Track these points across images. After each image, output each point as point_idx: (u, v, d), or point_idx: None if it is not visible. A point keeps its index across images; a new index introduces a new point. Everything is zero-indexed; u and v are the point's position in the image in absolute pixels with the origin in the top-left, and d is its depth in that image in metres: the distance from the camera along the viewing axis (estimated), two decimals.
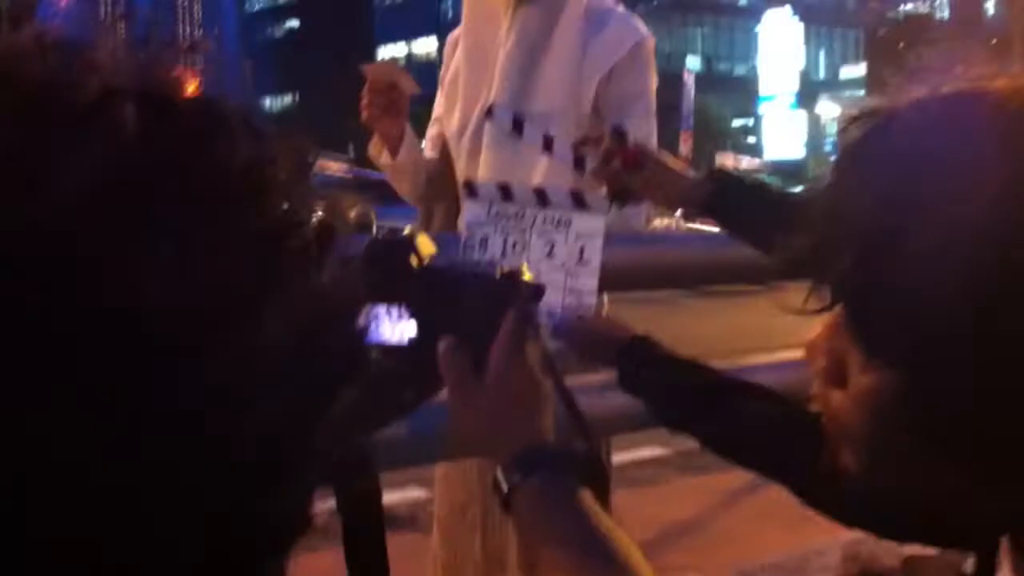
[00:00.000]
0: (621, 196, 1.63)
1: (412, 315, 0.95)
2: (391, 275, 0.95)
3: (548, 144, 1.86)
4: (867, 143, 0.77)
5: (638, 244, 2.54)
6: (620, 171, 1.61)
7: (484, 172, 2.05)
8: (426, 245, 0.97)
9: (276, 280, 0.43)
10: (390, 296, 0.95)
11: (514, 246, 1.67)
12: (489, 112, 1.78)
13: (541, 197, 1.67)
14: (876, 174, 0.74)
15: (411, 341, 0.95)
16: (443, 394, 0.96)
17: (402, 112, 2.21)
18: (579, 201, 1.66)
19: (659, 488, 5.00)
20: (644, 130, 2.00)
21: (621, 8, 2.30)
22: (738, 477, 3.98)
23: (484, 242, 1.68)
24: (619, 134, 1.62)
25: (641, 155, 1.63)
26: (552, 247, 1.65)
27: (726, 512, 4.58)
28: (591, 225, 1.66)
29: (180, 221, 0.40)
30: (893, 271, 0.70)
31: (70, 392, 0.38)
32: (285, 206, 0.45)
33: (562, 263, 1.65)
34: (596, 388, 2.10)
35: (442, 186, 2.29)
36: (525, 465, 0.89)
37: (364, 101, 2.16)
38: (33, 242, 0.38)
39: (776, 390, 1.39)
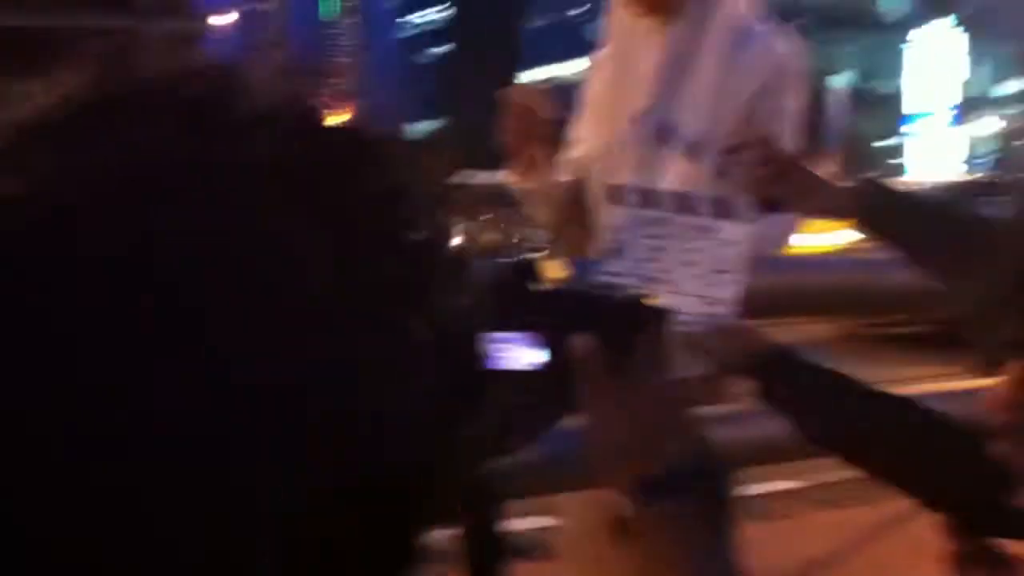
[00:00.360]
0: (767, 205, 1.63)
1: (538, 341, 0.95)
2: (516, 300, 0.96)
3: (694, 153, 1.85)
4: None
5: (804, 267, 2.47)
6: (766, 179, 1.60)
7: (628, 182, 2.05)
8: (552, 269, 0.97)
9: (397, 307, 0.43)
10: (515, 322, 0.95)
11: (654, 252, 1.66)
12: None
13: (684, 203, 1.66)
14: None
15: (536, 367, 0.95)
16: (567, 422, 0.98)
17: (541, 138, 2.23)
18: (723, 209, 1.64)
19: (794, 522, 4.88)
20: (791, 147, 1.98)
21: (769, 24, 2.28)
22: (877, 511, 3.88)
23: (623, 247, 1.68)
24: (765, 143, 1.60)
25: (788, 164, 1.61)
26: (693, 255, 1.63)
27: (867, 547, 4.45)
28: (735, 234, 1.63)
29: (314, 248, 0.41)
30: None
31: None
32: (423, 235, 0.45)
33: (702, 272, 1.63)
34: (730, 417, 2.09)
35: (577, 210, 2.30)
36: (651, 489, 0.90)
37: (503, 127, 2.20)
38: (170, 261, 0.39)
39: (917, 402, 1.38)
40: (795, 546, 4.35)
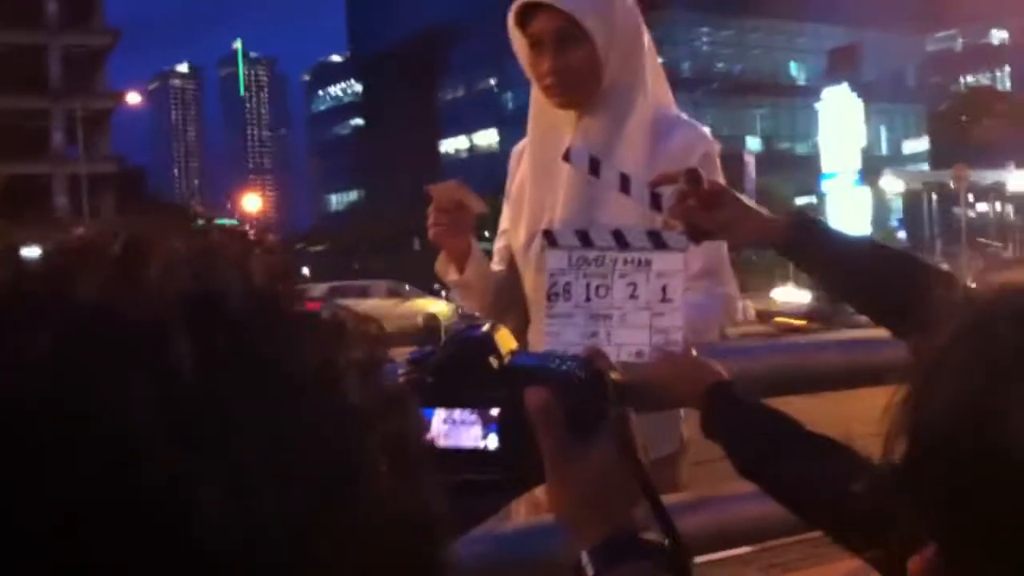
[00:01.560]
0: (699, 234, 1.66)
1: (495, 417, 0.93)
2: (471, 375, 0.93)
3: (625, 187, 1.88)
4: (954, 351, 0.71)
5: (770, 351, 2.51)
6: (696, 209, 1.64)
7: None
8: (506, 340, 0.96)
9: (345, 506, 0.42)
10: (471, 399, 0.93)
11: (597, 290, 1.70)
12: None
13: (620, 240, 1.70)
14: (964, 391, 0.68)
15: (496, 443, 0.93)
16: (515, 525, 0.99)
17: (468, 230, 2.24)
18: (658, 241, 1.69)
19: None
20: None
21: (685, 115, 2.33)
22: (828, 571, 3.95)
23: (568, 288, 1.72)
24: (694, 177, 1.65)
25: (716, 194, 1.65)
26: (635, 288, 1.68)
27: None
28: (671, 263, 1.68)
29: (244, 451, 0.40)
30: (996, 504, 0.64)
31: None
32: (358, 414, 0.44)
33: (646, 303, 1.67)
34: (686, 504, 2.13)
35: (510, 298, 2.32)
36: (612, 552, 0.90)
37: (430, 220, 2.20)
38: (93, 482, 0.38)
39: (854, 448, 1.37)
40: None
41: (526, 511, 2.26)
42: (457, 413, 0.93)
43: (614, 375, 0.96)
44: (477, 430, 0.93)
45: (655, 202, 1.75)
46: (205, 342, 0.41)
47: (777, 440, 1.43)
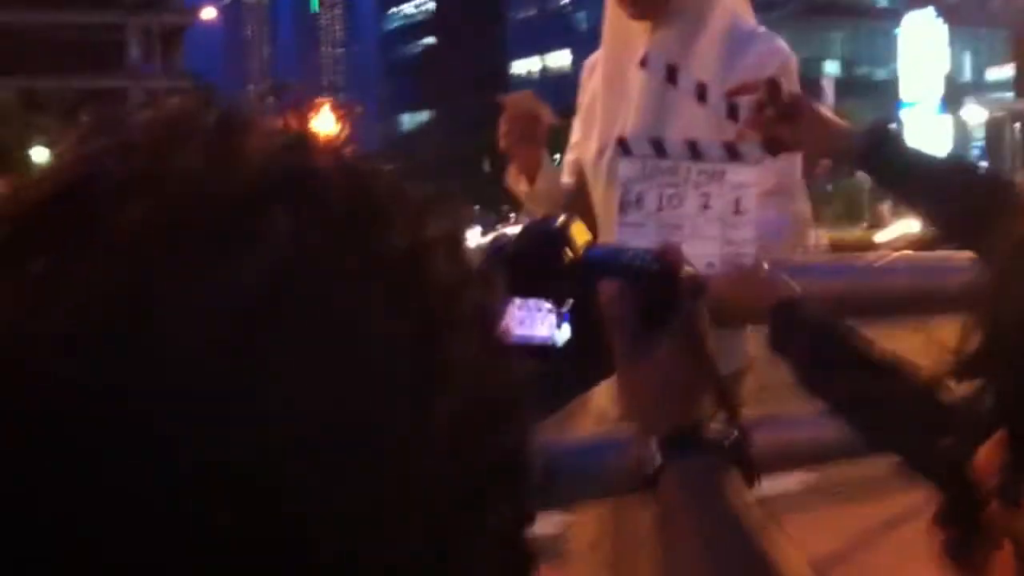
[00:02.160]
0: (775, 146, 1.65)
1: (568, 308, 0.94)
2: (545, 268, 0.94)
3: (702, 95, 1.85)
4: None
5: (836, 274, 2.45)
6: (774, 120, 1.62)
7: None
8: (580, 233, 0.96)
9: (434, 375, 0.42)
10: (544, 290, 0.94)
11: (670, 200, 1.70)
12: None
13: (694, 150, 1.70)
14: None
15: (568, 335, 0.94)
16: (574, 440, 1.00)
17: (539, 141, 2.25)
18: (732, 152, 1.68)
19: (806, 517, 4.85)
20: (795, 154, 1.94)
21: (763, 28, 2.29)
22: (888, 507, 3.92)
23: (640, 198, 1.71)
24: (773, 87, 1.63)
25: (796, 104, 1.63)
26: (708, 199, 1.67)
27: (879, 542, 4.43)
28: (746, 176, 1.67)
29: (333, 322, 0.40)
30: None
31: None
32: (444, 294, 0.44)
33: (719, 214, 1.67)
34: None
35: (579, 211, 2.34)
36: (680, 443, 0.92)
37: (501, 131, 2.21)
38: (186, 359, 0.38)
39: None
40: (807, 543, 4.32)
41: (593, 423, 2.29)
42: (531, 303, 0.94)
43: (688, 269, 0.96)
44: (550, 320, 0.94)
45: (732, 112, 1.74)
46: (301, 220, 0.41)
47: (846, 358, 1.42)
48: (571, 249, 0.94)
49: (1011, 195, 1.45)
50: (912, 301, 2.54)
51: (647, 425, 0.94)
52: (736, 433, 0.94)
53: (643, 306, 0.92)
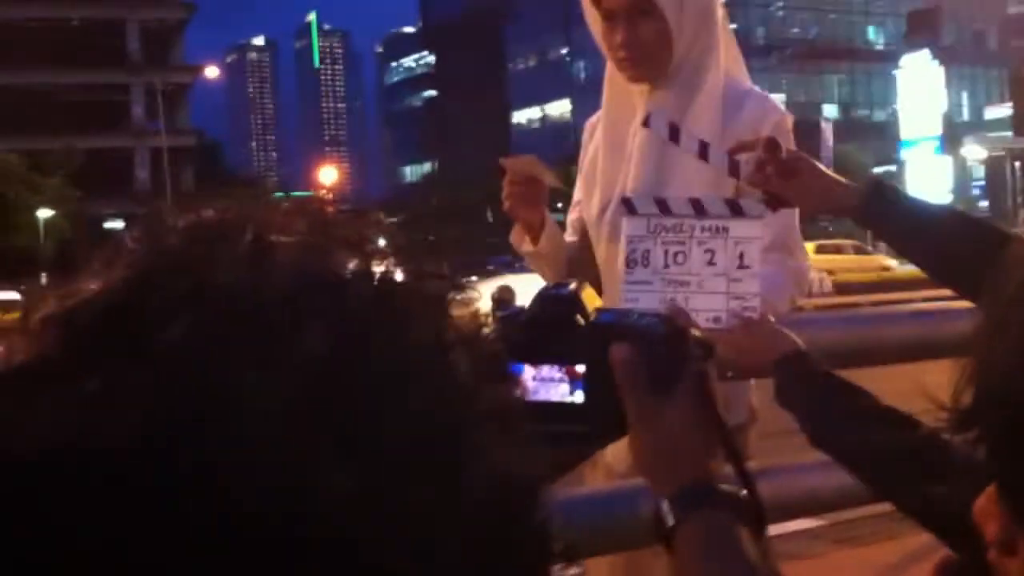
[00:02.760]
0: (775, 202, 1.68)
1: (582, 372, 0.97)
2: (558, 332, 0.98)
3: (704, 152, 1.89)
4: (1019, 304, 0.75)
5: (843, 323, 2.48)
6: (773, 177, 1.65)
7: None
8: (592, 298, 1.00)
9: (459, 465, 0.44)
10: (558, 354, 0.97)
11: (675, 257, 1.73)
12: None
13: (698, 207, 1.73)
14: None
15: (581, 398, 0.97)
16: (584, 493, 1.03)
17: (541, 202, 2.27)
18: (735, 208, 1.71)
19: (818, 561, 4.85)
20: (793, 209, 1.96)
21: (757, 88, 2.33)
22: (896, 550, 3.91)
23: (646, 256, 1.75)
24: (772, 145, 1.66)
25: (794, 161, 1.66)
26: (712, 255, 1.71)
27: None
28: (749, 230, 1.70)
29: (368, 435, 0.42)
30: None
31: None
32: (465, 390, 0.46)
33: (724, 269, 1.69)
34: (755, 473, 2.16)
35: (582, 268, 2.33)
36: (691, 501, 0.94)
37: (504, 193, 2.24)
38: (225, 455, 0.40)
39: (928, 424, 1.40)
40: None
41: (602, 477, 2.30)
42: (545, 369, 0.97)
43: (695, 332, 0.99)
44: (564, 385, 0.97)
45: (733, 169, 1.77)
46: (332, 329, 0.43)
47: (850, 411, 1.44)
48: (583, 314, 0.97)
49: (1009, 248, 1.47)
50: (913, 349, 2.57)
51: (660, 482, 0.96)
52: (747, 491, 0.96)
53: (654, 368, 0.94)
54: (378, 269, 0.48)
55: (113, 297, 0.44)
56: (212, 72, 62.14)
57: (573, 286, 1.01)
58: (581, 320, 0.97)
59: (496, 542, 0.45)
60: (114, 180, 48.06)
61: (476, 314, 0.49)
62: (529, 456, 0.48)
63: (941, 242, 1.60)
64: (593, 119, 2.43)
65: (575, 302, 0.98)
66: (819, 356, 1.51)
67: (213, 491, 0.39)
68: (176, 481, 0.39)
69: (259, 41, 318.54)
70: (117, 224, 50.53)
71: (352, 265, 0.47)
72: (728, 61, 2.28)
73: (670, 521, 0.93)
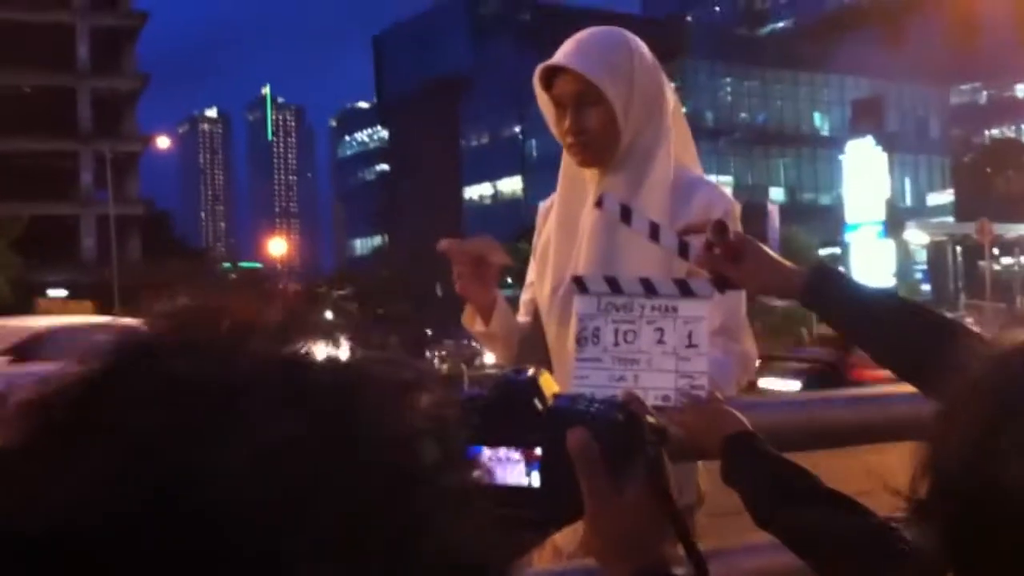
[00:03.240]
0: (722, 283, 1.71)
1: (538, 456, 0.99)
2: (517, 417, 1.00)
3: (654, 234, 1.93)
4: (969, 394, 0.77)
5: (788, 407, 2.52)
6: (721, 259, 1.69)
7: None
8: (549, 384, 1.02)
9: (422, 552, 0.45)
10: (516, 438, 0.99)
11: (625, 335, 1.75)
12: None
13: (648, 286, 1.76)
14: (974, 432, 0.74)
15: (538, 481, 0.98)
16: (539, 571, 1.05)
17: (493, 282, 2.29)
18: (684, 288, 1.75)
19: None
20: (739, 293, 2.00)
21: (706, 177, 2.39)
22: None
23: (596, 333, 1.77)
24: (720, 228, 1.70)
25: (741, 244, 1.70)
26: (662, 333, 1.74)
27: None
28: (697, 310, 1.74)
29: (330, 521, 0.43)
30: (993, 539, 0.71)
31: None
32: (430, 475, 0.47)
33: (673, 348, 1.73)
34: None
35: (534, 349, 2.36)
36: None
37: (454, 274, 2.25)
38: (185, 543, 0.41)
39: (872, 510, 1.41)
40: None
41: (550, 558, 2.27)
42: (502, 452, 0.99)
43: (650, 419, 1.01)
44: (521, 468, 0.98)
45: (683, 251, 1.80)
46: (299, 417, 0.45)
47: (795, 492, 1.45)
48: (541, 400, 0.99)
49: (957, 339, 1.50)
50: (855, 433, 2.59)
51: (615, 566, 0.98)
52: (697, 571, 0.99)
53: (610, 453, 0.97)
54: (346, 355, 0.49)
55: (87, 385, 0.46)
56: (163, 142, 62.03)
57: (531, 372, 1.02)
58: (539, 405, 0.98)
59: None
60: (59, 247, 47.60)
61: (443, 402, 0.50)
62: (488, 541, 0.48)
63: (884, 327, 1.62)
64: (547, 202, 2.47)
65: (534, 388, 0.99)
66: (766, 437, 1.52)
67: (180, 570, 0.40)
68: (142, 562, 0.40)
69: (212, 113, 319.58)
70: (60, 292, 50.16)
71: (320, 352, 0.48)
72: (679, 148, 2.33)
73: None
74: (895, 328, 1.61)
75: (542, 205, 2.49)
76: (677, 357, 1.72)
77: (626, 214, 1.91)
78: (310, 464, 0.44)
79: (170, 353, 0.46)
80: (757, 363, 2.28)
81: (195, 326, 0.48)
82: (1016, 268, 51.41)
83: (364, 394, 0.48)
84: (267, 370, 0.46)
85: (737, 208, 2.28)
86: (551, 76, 2.25)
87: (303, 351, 0.48)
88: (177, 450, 0.43)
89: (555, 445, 0.96)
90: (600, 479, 0.96)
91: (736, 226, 2.17)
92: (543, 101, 2.28)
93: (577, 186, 2.34)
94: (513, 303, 2.45)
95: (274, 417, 0.44)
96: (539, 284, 2.41)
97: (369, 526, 0.44)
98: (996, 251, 44.03)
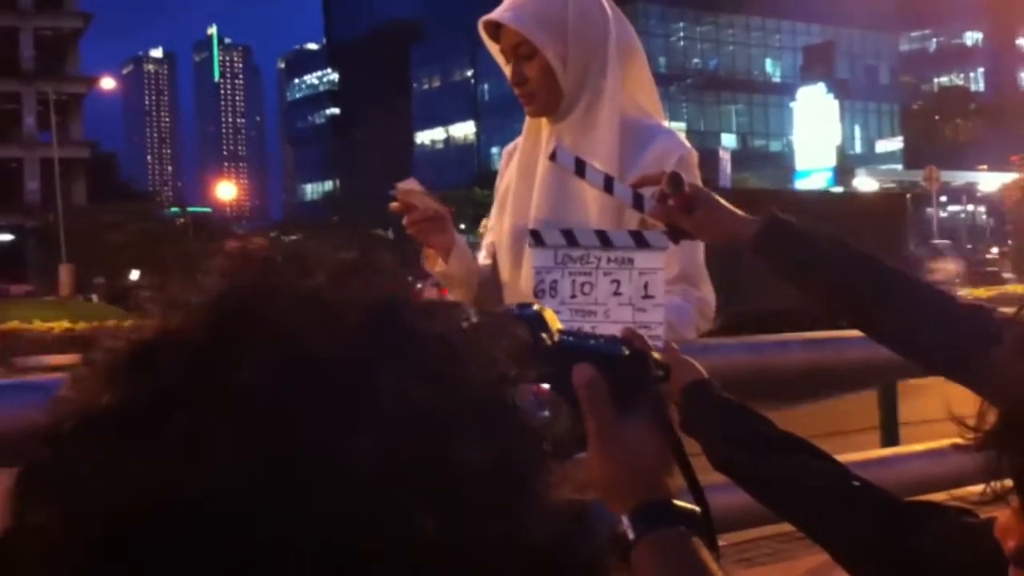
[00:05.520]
0: (677, 234, 1.71)
1: (545, 391, 0.96)
2: (533, 354, 0.99)
3: (608, 186, 1.93)
4: None
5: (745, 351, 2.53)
6: (676, 210, 1.68)
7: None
8: (554, 319, 1.01)
9: (520, 494, 0.46)
10: (533, 375, 1.00)
11: (582, 287, 1.76)
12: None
13: (603, 239, 1.77)
14: None
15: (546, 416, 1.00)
16: None
17: (445, 226, 2.30)
18: (640, 240, 1.76)
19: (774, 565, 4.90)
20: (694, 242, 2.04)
21: (664, 123, 2.39)
22: (791, 570, 3.95)
23: (554, 286, 1.78)
24: (675, 180, 1.68)
25: (695, 196, 1.69)
26: (618, 285, 1.75)
27: None
28: (653, 262, 1.75)
29: (457, 473, 0.44)
30: None
31: None
32: (533, 421, 0.49)
33: (629, 299, 1.74)
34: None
35: (496, 290, 2.39)
36: (651, 516, 0.97)
37: (406, 222, 2.27)
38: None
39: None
40: None
41: None
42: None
43: (654, 354, 1.02)
44: (529, 403, 0.97)
45: (637, 202, 1.79)
46: (402, 378, 0.44)
47: (752, 439, 1.46)
48: (548, 335, 0.98)
49: (910, 289, 1.53)
50: (806, 376, 2.62)
51: (619, 499, 0.98)
52: (702, 508, 0.99)
53: (616, 388, 0.97)
54: (435, 308, 0.49)
55: (191, 340, 0.44)
56: (108, 83, 61.00)
57: (536, 307, 1.02)
58: (547, 340, 0.98)
59: (559, 558, 0.46)
60: (3, 191, 46.79)
61: (522, 349, 0.51)
62: (577, 485, 0.50)
63: (836, 278, 1.62)
64: (510, 146, 2.48)
65: (541, 322, 0.98)
66: (721, 383, 1.53)
67: (306, 545, 0.40)
68: (268, 532, 0.40)
69: (157, 53, 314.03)
70: (5, 236, 49.31)
71: (413, 303, 0.48)
72: (638, 92, 2.34)
73: (631, 536, 0.96)
74: (846, 280, 1.61)
75: (506, 149, 2.51)
76: (633, 308, 1.72)
77: (580, 167, 1.91)
78: (425, 423, 0.44)
79: (273, 306, 0.45)
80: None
81: (294, 276, 0.47)
82: (962, 215, 52.15)
83: (459, 351, 0.47)
84: (371, 338, 0.45)
85: (694, 156, 2.28)
86: (498, 27, 2.28)
87: (403, 317, 0.47)
88: (296, 415, 0.42)
89: (562, 380, 0.96)
90: (606, 414, 0.97)
91: (694, 173, 2.19)
92: (495, 51, 2.31)
93: (533, 133, 2.36)
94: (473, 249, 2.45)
95: (401, 389, 0.44)
96: (498, 227, 2.42)
97: (485, 481, 0.44)
98: (944, 198, 44.59)
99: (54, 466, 0.42)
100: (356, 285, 0.47)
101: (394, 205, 2.26)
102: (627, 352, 1.00)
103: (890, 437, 4.18)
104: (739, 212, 1.70)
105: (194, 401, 0.42)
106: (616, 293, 1.73)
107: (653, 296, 1.72)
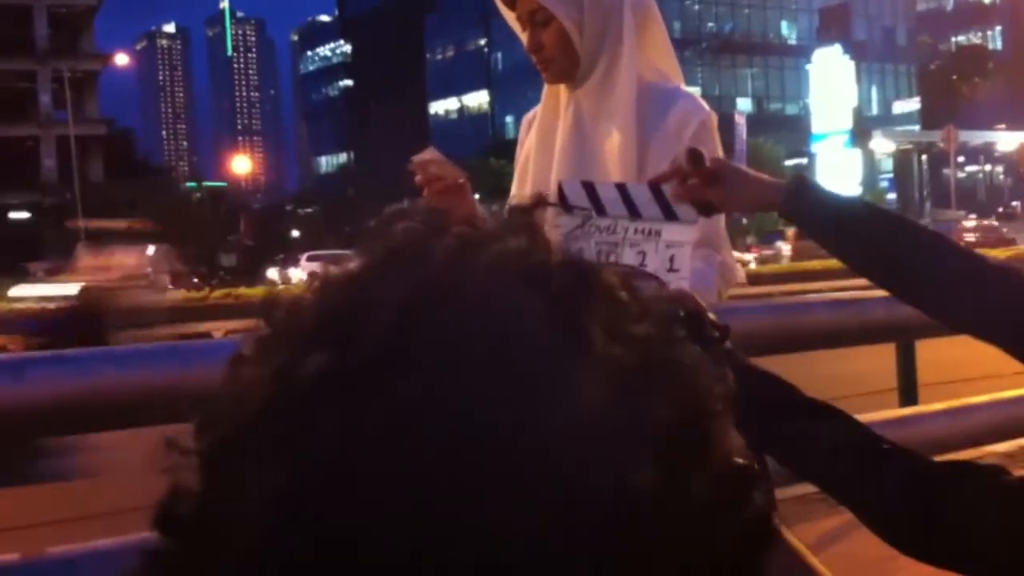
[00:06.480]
0: (705, 207, 1.71)
1: None
2: None
3: (632, 209, 1.95)
4: None
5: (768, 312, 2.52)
6: (699, 186, 1.68)
7: None
8: None
9: (697, 452, 0.45)
10: None
11: (608, 257, 1.76)
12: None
13: (632, 208, 1.78)
14: None
15: None
16: None
17: (465, 193, 2.31)
18: (668, 212, 1.76)
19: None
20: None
21: (684, 87, 2.37)
22: (812, 531, 3.98)
23: (579, 253, 1.80)
24: (696, 157, 1.68)
25: (718, 169, 1.69)
26: (644, 256, 1.76)
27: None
28: (680, 235, 1.75)
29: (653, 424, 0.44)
30: None
31: None
32: (700, 371, 0.48)
33: (654, 271, 1.75)
34: None
35: None
36: None
37: (424, 192, 2.28)
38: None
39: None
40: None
41: None
42: None
43: (711, 315, 1.00)
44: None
45: (659, 198, 1.81)
46: (558, 323, 0.44)
47: (776, 405, 1.46)
48: None
49: (937, 250, 1.53)
50: (832, 336, 2.62)
51: None
52: (761, 467, 0.98)
53: None
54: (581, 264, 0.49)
55: (394, 303, 0.43)
56: (122, 60, 60.96)
57: None
58: None
59: (733, 529, 0.46)
60: (20, 170, 46.91)
61: (676, 314, 0.50)
62: (745, 444, 0.50)
63: (867, 237, 1.62)
64: (531, 114, 2.47)
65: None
66: (742, 345, 1.53)
67: (539, 483, 0.40)
68: (510, 470, 0.40)
69: (170, 28, 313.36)
70: (22, 215, 49.42)
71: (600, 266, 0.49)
72: (654, 59, 2.34)
73: None
74: (875, 239, 1.62)
75: (526, 117, 2.50)
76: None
77: (591, 190, 1.93)
78: (639, 375, 0.44)
79: (411, 306, 0.43)
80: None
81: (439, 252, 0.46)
82: (980, 175, 51.75)
83: (626, 304, 0.47)
84: (582, 294, 0.45)
85: (714, 118, 2.28)
86: None
87: (552, 263, 0.48)
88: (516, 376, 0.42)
89: None
90: None
91: (714, 136, 2.21)
92: (511, 19, 2.30)
93: (552, 100, 2.35)
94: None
95: (568, 376, 0.43)
96: (519, 196, 2.42)
97: (688, 428, 0.44)
98: (961, 158, 44.22)
99: (276, 427, 0.41)
100: (542, 249, 0.48)
101: (419, 179, 2.28)
102: (683, 313, 0.99)
103: (908, 397, 4.22)
104: (764, 177, 1.70)
105: (421, 362, 0.42)
106: (641, 264, 1.73)
107: (679, 270, 1.72)
